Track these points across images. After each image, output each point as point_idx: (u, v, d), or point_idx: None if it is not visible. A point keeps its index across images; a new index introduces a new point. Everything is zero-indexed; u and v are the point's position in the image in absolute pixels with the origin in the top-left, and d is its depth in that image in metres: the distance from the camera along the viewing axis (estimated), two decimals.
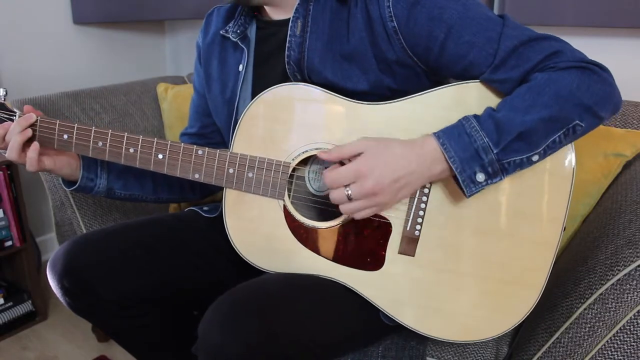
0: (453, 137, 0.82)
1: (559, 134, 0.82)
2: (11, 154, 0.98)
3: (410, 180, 0.84)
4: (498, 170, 0.82)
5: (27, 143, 0.99)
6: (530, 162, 0.83)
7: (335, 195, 0.85)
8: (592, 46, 1.46)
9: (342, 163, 0.87)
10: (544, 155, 0.83)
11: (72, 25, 2.15)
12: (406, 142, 0.85)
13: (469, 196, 0.84)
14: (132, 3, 2.05)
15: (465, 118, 0.83)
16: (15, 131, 0.97)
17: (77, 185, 1.08)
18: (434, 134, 0.84)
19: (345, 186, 0.84)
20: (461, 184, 0.82)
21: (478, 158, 0.81)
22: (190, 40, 2.44)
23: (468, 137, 0.81)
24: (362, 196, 0.83)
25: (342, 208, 0.86)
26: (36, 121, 0.99)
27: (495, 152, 0.81)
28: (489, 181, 0.82)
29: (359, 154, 0.85)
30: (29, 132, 0.98)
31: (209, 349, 0.80)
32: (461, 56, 0.86)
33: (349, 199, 0.84)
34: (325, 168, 0.98)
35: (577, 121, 0.81)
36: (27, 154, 0.99)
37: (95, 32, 2.23)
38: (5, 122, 0.99)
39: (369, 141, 0.85)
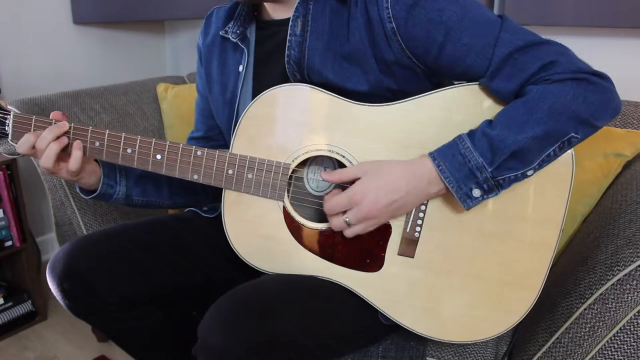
0: (447, 157, 0.83)
1: (553, 147, 0.82)
2: (47, 162, 0.94)
3: (406, 201, 0.86)
4: (493, 187, 0.83)
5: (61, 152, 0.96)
6: (525, 177, 0.84)
7: (335, 223, 0.89)
8: (592, 46, 1.46)
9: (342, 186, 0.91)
10: (539, 168, 0.84)
11: (72, 25, 2.15)
12: (402, 163, 0.86)
13: (468, 209, 0.85)
14: (132, 3, 2.05)
15: (460, 137, 0.84)
16: (48, 139, 0.94)
17: (97, 193, 1.06)
18: (429, 154, 0.85)
19: (344, 212, 0.88)
20: (458, 200, 0.84)
21: (473, 176, 0.82)
22: (190, 40, 2.44)
23: (462, 157, 0.82)
24: (359, 221, 0.87)
25: (344, 233, 0.89)
26: (70, 129, 0.96)
27: (489, 170, 0.82)
28: (484, 196, 0.84)
29: (357, 179, 0.88)
30: (65, 140, 0.95)
31: (209, 350, 0.80)
32: (459, 59, 0.86)
33: (348, 224, 0.87)
34: (325, 169, 0.99)
35: (572, 134, 0.81)
36: (70, 165, 0.95)
37: (95, 32, 2.23)
38: (34, 134, 0.95)
39: (366, 165, 0.88)
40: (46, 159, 0.94)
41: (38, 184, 2.09)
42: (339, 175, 0.89)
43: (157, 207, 1.20)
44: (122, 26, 2.32)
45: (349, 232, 0.88)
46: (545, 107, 0.80)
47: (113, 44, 2.32)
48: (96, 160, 1.06)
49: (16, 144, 0.97)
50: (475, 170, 0.82)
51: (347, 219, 0.87)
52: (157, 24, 2.48)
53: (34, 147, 0.95)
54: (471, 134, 0.84)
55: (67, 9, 2.11)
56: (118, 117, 1.63)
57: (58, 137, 0.95)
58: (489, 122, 0.84)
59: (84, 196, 1.09)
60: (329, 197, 0.89)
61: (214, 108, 1.14)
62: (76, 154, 0.95)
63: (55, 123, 0.96)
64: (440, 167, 0.83)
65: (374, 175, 0.86)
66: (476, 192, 0.83)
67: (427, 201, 0.90)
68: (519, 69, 0.82)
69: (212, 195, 1.26)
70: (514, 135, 0.80)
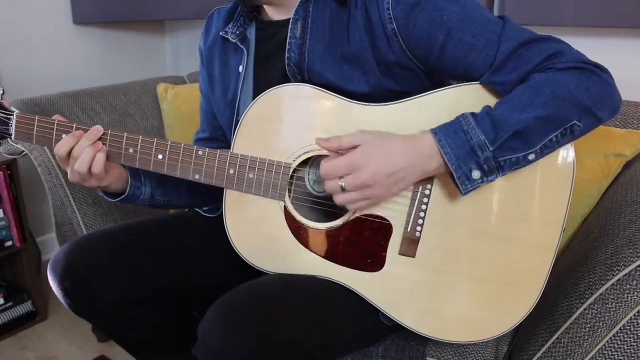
0: (449, 133, 0.82)
1: (556, 133, 0.82)
2: (82, 166, 0.93)
3: (405, 175, 0.84)
4: (494, 168, 0.82)
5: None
6: (526, 161, 0.83)
7: (329, 186, 0.86)
8: (592, 46, 1.46)
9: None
10: (540, 154, 0.83)
11: (72, 25, 2.15)
12: (404, 137, 0.85)
13: (465, 193, 0.84)
14: (132, 3, 2.05)
15: (463, 115, 0.83)
16: (84, 145, 0.93)
17: (125, 195, 1.05)
18: (431, 130, 0.84)
19: (340, 178, 0.84)
20: (456, 180, 0.83)
21: (474, 155, 0.81)
22: (190, 40, 2.44)
23: (464, 134, 0.82)
24: (356, 188, 0.84)
25: (335, 198, 0.87)
26: (105, 134, 0.96)
27: (491, 149, 0.81)
28: (484, 179, 0.83)
29: (356, 146, 0.85)
30: (99, 145, 0.95)
31: (209, 351, 0.80)
32: (461, 58, 0.86)
33: (343, 189, 0.84)
34: None
35: (575, 121, 0.81)
36: (93, 169, 0.94)
37: (95, 32, 2.23)
38: (76, 132, 0.95)
39: (367, 134, 0.86)
40: (80, 163, 0.93)
41: (38, 184, 2.08)
42: (337, 140, 0.87)
43: (178, 207, 1.20)
44: (122, 26, 2.32)
45: (341, 198, 0.85)
46: (548, 92, 0.80)
47: (113, 44, 2.32)
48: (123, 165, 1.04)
49: (16, 144, 0.97)
50: (477, 148, 0.81)
51: (342, 184, 0.84)
52: (157, 24, 2.48)
53: (69, 154, 0.94)
54: (474, 113, 0.83)
55: (67, 9, 2.11)
56: (118, 117, 1.63)
57: (93, 143, 0.94)
58: (490, 106, 0.84)
59: (109, 199, 1.08)
60: (327, 160, 0.86)
61: (216, 109, 1.14)
62: (99, 156, 0.94)
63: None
64: (441, 142, 0.82)
65: (376, 145, 0.84)
66: (475, 174, 0.82)
67: (428, 200, 0.90)
68: (524, 62, 0.83)
69: None
70: (517, 115, 0.80)
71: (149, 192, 1.10)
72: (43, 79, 2.08)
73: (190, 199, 1.19)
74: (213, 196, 1.22)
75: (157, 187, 1.11)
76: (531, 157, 0.83)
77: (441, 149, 0.82)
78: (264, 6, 1.01)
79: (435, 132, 0.83)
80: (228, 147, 1.17)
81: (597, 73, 0.81)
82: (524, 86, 0.82)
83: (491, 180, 0.83)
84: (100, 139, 0.96)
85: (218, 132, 1.19)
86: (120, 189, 1.05)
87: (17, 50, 1.99)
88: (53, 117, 0.97)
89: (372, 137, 0.86)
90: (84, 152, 0.93)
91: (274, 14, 1.01)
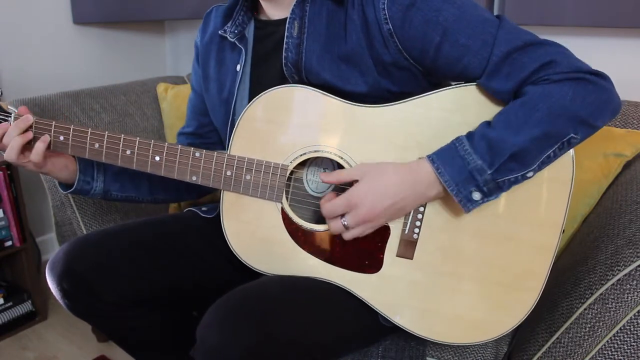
0: (447, 160, 0.83)
1: (553, 148, 0.81)
2: (11, 155, 0.98)
3: (404, 205, 0.86)
4: (493, 189, 0.83)
5: (26, 145, 0.99)
6: (525, 178, 0.83)
7: (333, 226, 0.89)
8: (592, 46, 1.46)
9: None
10: (538, 169, 0.83)
11: (72, 25, 2.15)
12: (401, 166, 0.86)
13: (468, 212, 0.84)
14: (132, 3, 2.05)
15: (458, 139, 0.83)
16: (14, 133, 0.97)
17: (73, 188, 1.08)
18: (428, 157, 0.84)
19: (342, 215, 0.87)
20: (458, 203, 0.84)
21: (473, 179, 0.82)
22: (190, 40, 2.44)
23: (461, 160, 0.82)
24: (357, 224, 0.87)
25: (343, 236, 0.89)
26: (33, 122, 0.99)
27: (489, 172, 0.81)
28: (485, 199, 0.83)
29: (355, 181, 0.87)
30: (30, 135, 0.99)
31: (207, 352, 0.80)
32: (456, 59, 0.85)
33: (346, 227, 0.87)
34: (324, 170, 0.99)
35: (571, 134, 0.80)
36: (32, 157, 0.99)
37: (95, 32, 2.24)
38: (2, 123, 0.99)
39: (365, 168, 0.88)
40: (9, 151, 0.98)
41: (38, 184, 2.09)
42: (337, 176, 0.89)
43: (137, 202, 1.22)
44: (122, 26, 2.32)
45: (348, 235, 0.88)
46: (544, 108, 0.79)
47: (113, 44, 2.32)
48: (74, 156, 1.07)
49: None
50: (475, 172, 0.81)
51: (345, 222, 0.87)
52: (157, 24, 2.48)
53: (1, 140, 0.99)
54: (470, 136, 0.83)
55: (67, 9, 2.11)
56: (118, 117, 1.63)
57: (24, 132, 0.98)
58: (487, 124, 0.84)
59: (62, 190, 1.11)
60: (326, 200, 0.88)
61: (209, 106, 1.14)
62: (38, 146, 0.98)
63: (19, 117, 0.98)
64: (440, 171, 0.83)
65: (373, 179, 0.86)
66: (476, 195, 0.83)
67: (426, 202, 0.90)
68: (518, 68, 0.82)
69: (197, 194, 1.26)
70: (513, 137, 0.80)
71: (101, 188, 1.12)
72: (43, 79, 2.09)
73: (151, 196, 1.20)
74: (178, 194, 1.24)
75: (112, 183, 1.13)
76: (530, 174, 0.83)
77: (440, 177, 0.83)
78: (262, 4, 1.00)
79: (432, 159, 0.84)
80: (212, 144, 1.19)
81: (594, 81, 0.80)
82: (520, 102, 0.82)
83: (492, 199, 0.84)
84: (97, 140, 0.97)
85: (203, 128, 1.20)
86: (68, 180, 1.08)
87: (17, 50, 1.99)
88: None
89: (369, 170, 0.87)
90: (12, 141, 0.97)
91: (272, 12, 1.01)
